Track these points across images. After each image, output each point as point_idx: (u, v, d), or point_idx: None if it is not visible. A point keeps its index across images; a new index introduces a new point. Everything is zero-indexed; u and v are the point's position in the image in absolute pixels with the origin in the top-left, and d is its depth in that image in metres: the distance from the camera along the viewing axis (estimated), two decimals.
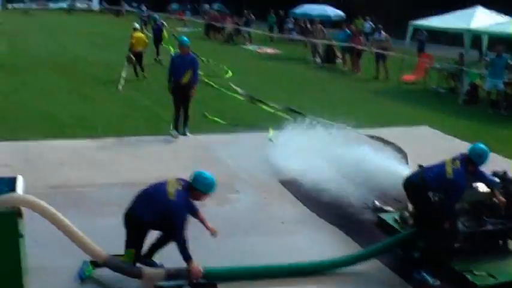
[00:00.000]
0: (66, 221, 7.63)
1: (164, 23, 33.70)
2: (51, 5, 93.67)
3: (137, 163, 13.55)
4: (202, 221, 8.36)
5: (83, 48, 35.38)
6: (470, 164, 8.69)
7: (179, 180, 8.05)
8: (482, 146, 8.84)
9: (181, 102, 15.71)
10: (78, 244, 7.71)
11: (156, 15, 40.05)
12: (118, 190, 11.56)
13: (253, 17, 46.48)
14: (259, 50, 39.41)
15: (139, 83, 23.72)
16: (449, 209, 8.64)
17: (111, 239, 8.32)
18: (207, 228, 8.35)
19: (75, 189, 11.72)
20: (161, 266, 8.22)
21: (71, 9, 79.52)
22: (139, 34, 25.76)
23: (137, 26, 26.30)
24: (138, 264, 8.06)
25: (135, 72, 24.68)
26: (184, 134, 15.84)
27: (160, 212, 7.74)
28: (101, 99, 20.57)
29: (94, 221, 9.97)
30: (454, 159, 8.78)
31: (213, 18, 49.58)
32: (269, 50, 39.06)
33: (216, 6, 64.91)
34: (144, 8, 56.20)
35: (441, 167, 8.77)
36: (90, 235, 7.98)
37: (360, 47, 29.67)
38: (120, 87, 22.82)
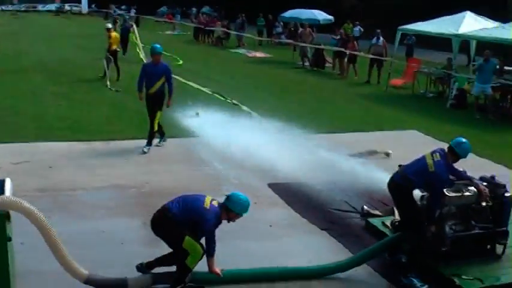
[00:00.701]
0: (55, 233, 7.56)
1: (134, 26, 34.25)
2: (40, 7, 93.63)
3: (126, 166, 13.54)
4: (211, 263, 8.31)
5: (71, 50, 35.33)
6: (453, 155, 8.85)
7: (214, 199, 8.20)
8: (463, 139, 9.02)
9: (149, 113, 14.92)
10: (59, 260, 7.63)
11: (126, 15, 40.93)
12: (107, 193, 11.56)
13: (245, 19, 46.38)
14: (248, 54, 39.42)
15: (123, 84, 23.59)
16: (435, 206, 8.68)
17: (99, 241, 8.32)
18: (211, 269, 8.28)
19: (64, 192, 11.70)
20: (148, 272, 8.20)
21: (59, 12, 79.47)
22: (114, 33, 26.24)
23: (110, 25, 26.32)
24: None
25: (118, 73, 25.13)
26: (143, 150, 14.72)
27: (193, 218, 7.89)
28: (90, 102, 20.52)
29: (82, 224, 9.96)
30: (433, 152, 8.89)
31: (202, 21, 49.56)
32: (258, 54, 39.07)
33: (205, 9, 64.90)
34: (114, 8, 57.52)
35: (422, 161, 8.89)
36: (78, 238, 7.98)
37: (355, 53, 29.69)
38: (108, 83, 23.59)
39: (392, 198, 9.32)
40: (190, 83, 24.61)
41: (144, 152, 14.59)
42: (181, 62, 31.66)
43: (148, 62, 15.50)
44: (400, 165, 9.40)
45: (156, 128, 14.87)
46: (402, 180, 8.89)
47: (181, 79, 24.67)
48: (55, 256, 7.51)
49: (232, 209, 8.08)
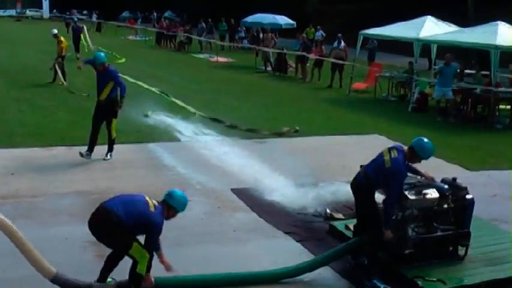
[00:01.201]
0: (19, 233, 7.49)
1: (85, 28, 36.38)
2: (1, 13, 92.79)
3: (88, 172, 13.44)
4: (160, 255, 8.17)
5: (32, 56, 35.11)
6: (413, 155, 8.78)
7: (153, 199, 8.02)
8: (425, 139, 8.98)
9: (102, 121, 14.47)
10: (28, 257, 7.56)
11: (76, 17, 42.61)
12: (69, 200, 11.47)
13: (203, 24, 46.29)
14: (211, 59, 39.43)
15: (85, 88, 23.43)
16: (391, 208, 8.70)
17: (62, 248, 8.25)
18: (162, 261, 8.11)
19: (25, 199, 11.58)
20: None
21: (20, 17, 78.86)
22: (63, 39, 26.16)
23: (56, 31, 26.03)
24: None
25: (64, 77, 25.03)
26: (104, 158, 14.49)
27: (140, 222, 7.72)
28: (50, 108, 20.37)
29: (45, 231, 9.87)
30: (390, 149, 8.87)
31: (164, 26, 49.50)
32: (221, 59, 39.04)
33: (167, 14, 64.83)
34: (76, 12, 58.82)
35: (379, 158, 8.86)
36: (41, 245, 7.88)
37: (321, 58, 29.80)
38: (65, 83, 24.37)
39: (354, 198, 9.30)
40: (153, 89, 24.55)
41: (106, 160, 14.44)
42: (123, 59, 32.46)
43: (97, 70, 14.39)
44: (361, 166, 9.42)
45: (114, 134, 14.51)
46: (363, 179, 8.89)
47: (143, 84, 24.66)
48: (22, 252, 7.45)
49: (173, 205, 7.93)
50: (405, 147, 8.90)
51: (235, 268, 8.84)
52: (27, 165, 13.68)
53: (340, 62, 28.04)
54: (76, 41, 34.91)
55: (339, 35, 29.64)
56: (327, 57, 29.68)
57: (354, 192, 9.17)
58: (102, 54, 14.61)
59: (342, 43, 29.37)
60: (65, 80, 24.62)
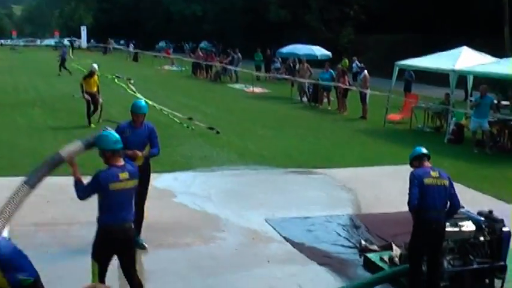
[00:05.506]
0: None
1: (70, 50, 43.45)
2: (39, 42, 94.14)
3: None
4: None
5: (70, 86, 35.47)
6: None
7: None
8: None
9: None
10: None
11: (63, 44, 51.25)
12: None
13: (239, 55, 46.34)
14: (246, 89, 39.51)
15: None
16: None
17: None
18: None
19: (60, 226, 11.66)
20: None
21: (58, 47, 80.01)
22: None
23: (95, 66, 24.56)
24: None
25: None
26: (141, 247, 10.76)
27: None
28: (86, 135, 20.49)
29: (79, 258, 9.89)
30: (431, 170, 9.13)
31: (200, 56, 49.81)
32: (256, 89, 39.11)
33: (203, 44, 65.29)
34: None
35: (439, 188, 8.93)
36: (77, 273, 7.91)
37: (344, 86, 29.78)
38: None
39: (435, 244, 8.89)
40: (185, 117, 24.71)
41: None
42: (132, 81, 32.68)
43: (125, 124, 10.89)
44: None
45: (143, 215, 11.06)
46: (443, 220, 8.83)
47: (178, 114, 24.82)
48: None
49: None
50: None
51: None
52: (62, 193, 13.73)
53: (362, 90, 28.19)
54: (62, 64, 44.66)
55: (362, 65, 29.66)
56: (356, 87, 29.71)
57: (441, 233, 8.87)
58: (143, 102, 11.43)
59: (364, 72, 29.44)
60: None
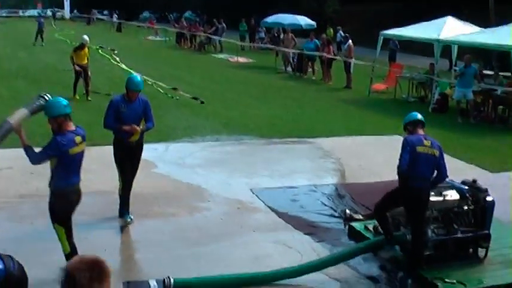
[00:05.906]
0: None
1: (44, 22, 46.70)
2: (22, 13, 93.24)
3: (107, 172, 13.43)
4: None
5: (52, 56, 35.24)
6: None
7: None
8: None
9: (129, 170, 10.90)
10: None
11: (42, 16, 54.61)
12: (89, 199, 11.48)
13: (224, 25, 46.14)
14: (230, 59, 39.41)
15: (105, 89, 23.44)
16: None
17: (82, 248, 8.26)
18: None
19: (45, 198, 11.59)
20: None
21: (41, 17, 79.43)
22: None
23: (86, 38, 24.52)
24: None
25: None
26: (126, 222, 10.70)
27: None
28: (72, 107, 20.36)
29: None
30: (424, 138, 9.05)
31: (184, 27, 49.56)
32: (241, 59, 39.00)
33: (187, 14, 64.88)
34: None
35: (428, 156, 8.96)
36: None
37: (329, 56, 29.73)
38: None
39: (421, 206, 8.94)
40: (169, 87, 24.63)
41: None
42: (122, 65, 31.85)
43: (119, 98, 10.71)
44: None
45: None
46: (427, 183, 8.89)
47: (163, 84, 24.73)
48: None
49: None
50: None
51: (254, 268, 8.84)
52: (47, 165, 13.69)
53: (346, 59, 28.17)
54: (40, 33, 44.74)
55: (347, 35, 29.61)
56: (339, 57, 29.68)
57: (425, 201, 8.97)
58: (139, 77, 11.21)
59: (348, 43, 29.44)
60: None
